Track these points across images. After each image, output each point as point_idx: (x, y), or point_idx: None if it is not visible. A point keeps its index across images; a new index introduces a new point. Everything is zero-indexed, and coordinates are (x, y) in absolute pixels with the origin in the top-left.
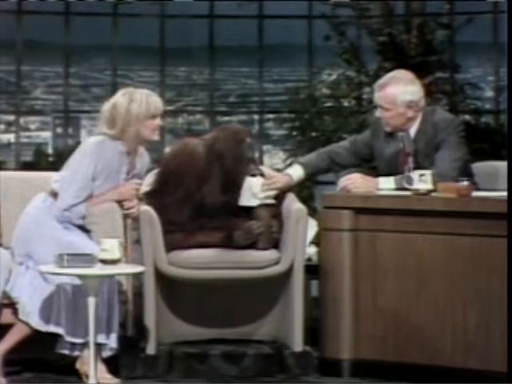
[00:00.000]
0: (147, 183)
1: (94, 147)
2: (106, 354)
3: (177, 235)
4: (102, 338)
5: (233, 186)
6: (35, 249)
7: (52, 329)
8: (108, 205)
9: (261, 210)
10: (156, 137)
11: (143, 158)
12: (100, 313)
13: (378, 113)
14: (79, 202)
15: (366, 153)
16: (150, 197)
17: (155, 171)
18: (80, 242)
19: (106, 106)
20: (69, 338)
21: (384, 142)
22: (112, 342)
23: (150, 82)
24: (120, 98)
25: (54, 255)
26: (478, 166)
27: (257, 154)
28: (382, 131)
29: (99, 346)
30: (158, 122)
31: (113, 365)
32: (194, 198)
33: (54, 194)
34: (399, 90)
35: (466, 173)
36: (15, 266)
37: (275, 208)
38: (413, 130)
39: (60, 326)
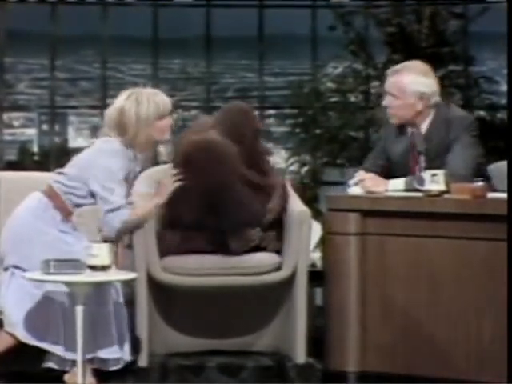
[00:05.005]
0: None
1: (119, 148)
2: (118, 366)
3: (175, 237)
4: (114, 354)
5: (256, 164)
6: (28, 254)
7: (43, 345)
8: (97, 206)
9: (274, 220)
10: (167, 136)
11: (138, 161)
12: (108, 327)
13: (385, 101)
14: (125, 202)
15: (386, 157)
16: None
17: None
18: (77, 245)
19: (112, 111)
20: (61, 354)
21: (394, 140)
22: (125, 354)
23: (141, 76)
24: (126, 101)
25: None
26: (494, 167)
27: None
28: (392, 129)
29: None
30: (167, 121)
31: (103, 378)
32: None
33: (52, 195)
34: (411, 79)
35: (479, 174)
36: (0, 273)
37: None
38: (424, 127)
39: (52, 341)
